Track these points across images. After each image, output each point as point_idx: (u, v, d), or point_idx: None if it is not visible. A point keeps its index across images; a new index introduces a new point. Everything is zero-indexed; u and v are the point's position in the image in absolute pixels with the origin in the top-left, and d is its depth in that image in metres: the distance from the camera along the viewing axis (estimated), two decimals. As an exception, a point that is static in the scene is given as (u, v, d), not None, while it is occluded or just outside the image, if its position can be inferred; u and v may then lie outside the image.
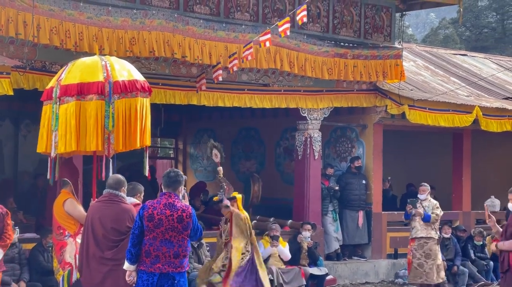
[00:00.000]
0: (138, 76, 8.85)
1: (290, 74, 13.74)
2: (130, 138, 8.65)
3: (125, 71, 8.78)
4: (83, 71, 8.66)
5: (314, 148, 14.61)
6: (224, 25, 12.60)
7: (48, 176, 9.05)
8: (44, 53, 11.22)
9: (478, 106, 15.96)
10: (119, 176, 8.52)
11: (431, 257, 13.71)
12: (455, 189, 17.08)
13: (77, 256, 9.30)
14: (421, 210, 13.59)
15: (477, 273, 15.31)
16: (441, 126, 15.54)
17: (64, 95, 8.60)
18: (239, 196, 11.15)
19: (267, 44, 11.60)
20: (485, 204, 9.76)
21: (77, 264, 8.81)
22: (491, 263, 15.63)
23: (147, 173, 9.17)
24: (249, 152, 17.59)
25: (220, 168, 11.17)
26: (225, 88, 13.18)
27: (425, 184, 14.04)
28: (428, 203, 13.83)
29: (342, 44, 14.36)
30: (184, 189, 8.21)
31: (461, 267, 15.07)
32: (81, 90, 8.52)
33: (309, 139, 14.58)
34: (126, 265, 7.61)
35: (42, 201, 12.82)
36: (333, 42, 14.22)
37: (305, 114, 14.45)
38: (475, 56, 21.95)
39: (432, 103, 15.38)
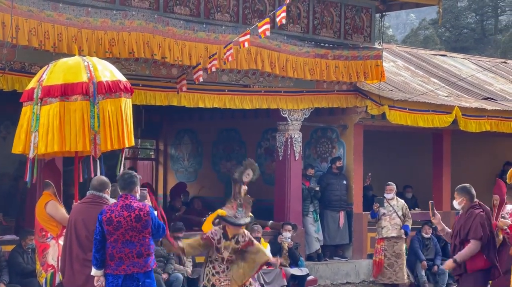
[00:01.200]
0: (120, 77, 8.83)
1: (271, 75, 13.75)
2: (118, 138, 8.62)
3: (108, 71, 8.76)
4: (66, 71, 8.60)
5: (294, 148, 14.63)
6: (204, 26, 12.59)
7: (25, 178, 9.00)
8: (23, 54, 11.17)
9: (458, 106, 16.04)
10: (103, 177, 8.54)
11: (401, 257, 13.81)
12: (435, 189, 17.15)
13: (59, 258, 9.27)
14: (384, 210, 13.70)
15: (457, 273, 15.38)
16: (421, 126, 15.61)
17: (46, 96, 8.54)
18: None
19: (246, 45, 11.62)
20: (429, 202, 9.71)
21: (60, 266, 8.78)
22: (471, 262, 15.70)
23: (119, 173, 9.13)
24: (230, 153, 17.59)
25: (245, 188, 10.63)
26: (206, 89, 13.17)
27: (392, 183, 14.15)
28: (395, 202, 13.95)
29: (322, 44, 14.39)
30: (144, 189, 8.29)
31: (441, 267, 15.13)
32: (65, 91, 8.47)
33: (289, 140, 14.60)
34: (93, 271, 7.73)
35: (22, 203, 12.76)
36: (313, 42, 14.25)
37: (286, 115, 14.47)
38: (454, 57, 22.05)
39: (412, 103, 15.44)
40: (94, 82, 8.51)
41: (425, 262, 14.88)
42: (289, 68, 13.70)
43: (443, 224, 9.70)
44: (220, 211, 9.87)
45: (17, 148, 8.90)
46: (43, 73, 8.82)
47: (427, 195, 17.31)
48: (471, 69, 20.44)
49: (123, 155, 9.12)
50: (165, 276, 11.98)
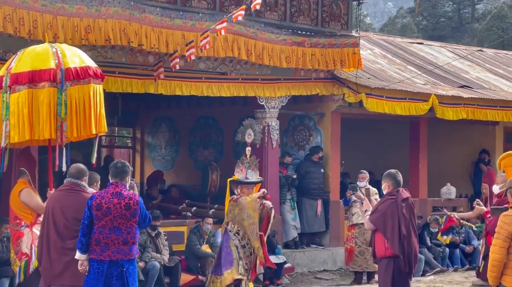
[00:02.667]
0: (90, 63, 8.74)
1: (248, 62, 13.72)
2: (84, 125, 8.55)
3: (77, 57, 8.67)
4: (34, 58, 8.54)
5: (272, 136, 14.62)
6: (181, 13, 12.52)
7: None
8: (-2, 41, 11.08)
9: (434, 94, 16.10)
10: (81, 165, 8.52)
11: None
12: (411, 177, 17.22)
13: (33, 246, 9.22)
14: (362, 195, 13.72)
15: (433, 260, 15.49)
16: (398, 114, 15.66)
17: (15, 84, 8.47)
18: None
19: (223, 32, 11.60)
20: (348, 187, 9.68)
21: (36, 254, 8.73)
22: (447, 250, 15.82)
23: (94, 160, 9.08)
24: (207, 141, 17.55)
25: (249, 149, 11.49)
26: (183, 76, 13.11)
27: (364, 171, 14.19)
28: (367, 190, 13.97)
29: (299, 32, 14.37)
30: (132, 180, 8.33)
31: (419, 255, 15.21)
32: (32, 78, 8.41)
33: (267, 128, 14.59)
34: (78, 255, 7.79)
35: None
36: (290, 30, 14.23)
37: (263, 103, 14.45)
38: (431, 45, 22.13)
39: (389, 91, 15.48)
40: (62, 68, 8.44)
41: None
42: (265, 56, 13.67)
43: (370, 204, 9.70)
44: (231, 179, 10.51)
45: None
46: (11, 61, 8.75)
47: (405, 183, 17.31)
48: (448, 57, 20.52)
49: (96, 143, 9.05)
50: (141, 264, 11.95)
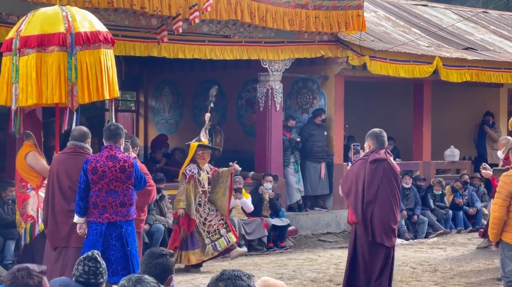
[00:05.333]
0: (100, 27, 8.76)
1: (251, 25, 13.66)
2: (97, 90, 8.61)
3: (87, 22, 8.69)
4: (44, 22, 8.54)
5: (275, 99, 14.60)
6: (184, -25, 12.44)
7: (9, 130, 8.96)
8: (0, 4, 11.01)
9: (438, 56, 16.03)
10: (84, 128, 8.56)
11: None
12: (415, 140, 17.23)
13: (39, 209, 9.27)
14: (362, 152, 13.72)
15: (436, 222, 15.56)
16: (402, 77, 15.61)
17: (24, 47, 8.50)
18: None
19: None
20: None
21: (42, 217, 8.78)
22: (450, 212, 15.89)
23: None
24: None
25: (208, 115, 12.29)
26: (186, 39, 13.07)
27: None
28: None
29: (303, -6, 14.29)
30: (128, 141, 8.38)
31: (420, 216, 15.29)
32: (41, 42, 8.44)
33: (270, 91, 14.56)
34: (76, 218, 7.88)
35: (1, 155, 12.70)
36: (294, -8, 14.14)
37: (266, 66, 14.41)
38: (435, 7, 21.97)
39: (393, 53, 15.42)
40: (72, 33, 8.45)
41: (405, 212, 15.00)
42: (269, 19, 13.61)
43: None
44: (194, 144, 11.56)
45: (0, 99, 8.84)
46: (21, 23, 8.75)
47: (408, 146, 17.42)
48: (452, 19, 20.40)
49: (113, 106, 9.15)
50: (146, 227, 12.01)
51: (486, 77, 16.88)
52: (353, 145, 8.73)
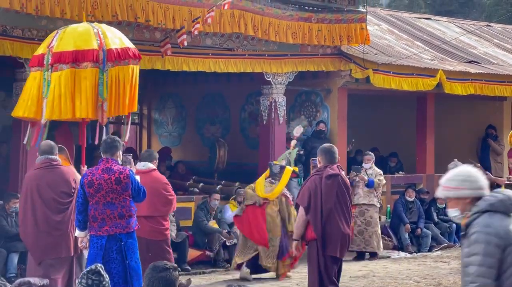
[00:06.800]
0: (128, 44, 9.04)
1: (254, 38, 13.69)
2: (123, 104, 8.85)
3: (117, 38, 8.95)
4: (77, 38, 8.77)
5: (279, 112, 14.61)
6: (188, -12, 12.49)
7: (32, 142, 9.15)
8: (4, 17, 11.04)
9: (442, 69, 16.04)
10: (51, 141, 8.82)
11: (371, 225, 13.87)
12: (419, 153, 17.23)
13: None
14: (365, 177, 13.78)
15: (440, 235, 15.53)
16: (405, 90, 15.62)
17: (57, 62, 8.73)
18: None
19: (226, 7, 11.62)
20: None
21: (20, 233, 8.91)
22: (454, 225, 15.84)
23: (127, 138, 9.43)
24: (214, 117, 17.56)
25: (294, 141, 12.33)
26: (190, 52, 13.09)
27: (370, 152, 14.25)
28: (372, 171, 14.05)
29: (306, 8, 14.32)
30: (129, 155, 8.53)
31: (424, 230, 15.26)
32: (76, 58, 8.65)
33: (273, 104, 14.57)
34: (77, 232, 8.00)
35: (6, 167, 12.73)
36: (297, 6, 14.18)
37: (270, 79, 14.43)
38: (439, 20, 22.02)
39: (396, 67, 15.44)
40: (104, 49, 8.70)
41: (408, 225, 14.99)
42: (272, 32, 13.64)
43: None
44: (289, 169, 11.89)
45: (19, 112, 9.04)
46: (52, 39, 8.95)
47: (412, 159, 17.41)
48: (456, 33, 20.43)
49: (129, 121, 9.37)
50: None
51: (489, 91, 16.89)
52: (312, 160, 8.85)
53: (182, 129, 18.40)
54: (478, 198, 4.62)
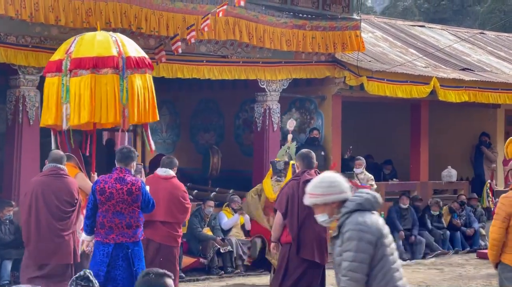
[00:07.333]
0: (143, 53, 9.31)
1: (249, 45, 13.71)
2: (145, 112, 9.10)
3: (133, 48, 9.23)
4: (97, 45, 8.98)
5: (273, 119, 14.62)
6: (182, -4, 12.50)
7: (65, 149, 9.32)
8: (-1, 24, 11.06)
9: (436, 77, 16.08)
10: (61, 151, 8.93)
11: None
12: (412, 160, 17.24)
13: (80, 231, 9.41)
14: (357, 182, 13.78)
15: (434, 243, 15.52)
16: (399, 97, 15.65)
17: (77, 68, 8.88)
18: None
19: (220, 14, 11.65)
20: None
21: (23, 237, 8.93)
22: (448, 232, 15.86)
23: (153, 147, 9.82)
24: (208, 124, 17.56)
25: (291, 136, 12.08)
26: (184, 59, 13.10)
27: (361, 157, 14.25)
28: (363, 176, 14.06)
29: (300, 15, 14.35)
30: (140, 164, 8.63)
31: (418, 237, 15.25)
32: (96, 64, 8.85)
33: (268, 111, 14.59)
34: (84, 236, 8.08)
35: (-1, 175, 12.71)
36: (291, 13, 14.21)
37: (264, 86, 14.44)
38: (433, 28, 22.08)
39: (390, 74, 15.46)
40: (123, 57, 8.93)
41: (402, 232, 14.98)
42: (266, 39, 13.66)
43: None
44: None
45: (47, 120, 9.16)
46: (70, 46, 9.12)
47: (405, 166, 17.42)
48: (449, 40, 20.49)
49: (148, 131, 9.62)
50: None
51: (483, 98, 16.93)
52: (292, 164, 8.93)
53: (176, 136, 18.39)
54: (344, 201, 4.94)
